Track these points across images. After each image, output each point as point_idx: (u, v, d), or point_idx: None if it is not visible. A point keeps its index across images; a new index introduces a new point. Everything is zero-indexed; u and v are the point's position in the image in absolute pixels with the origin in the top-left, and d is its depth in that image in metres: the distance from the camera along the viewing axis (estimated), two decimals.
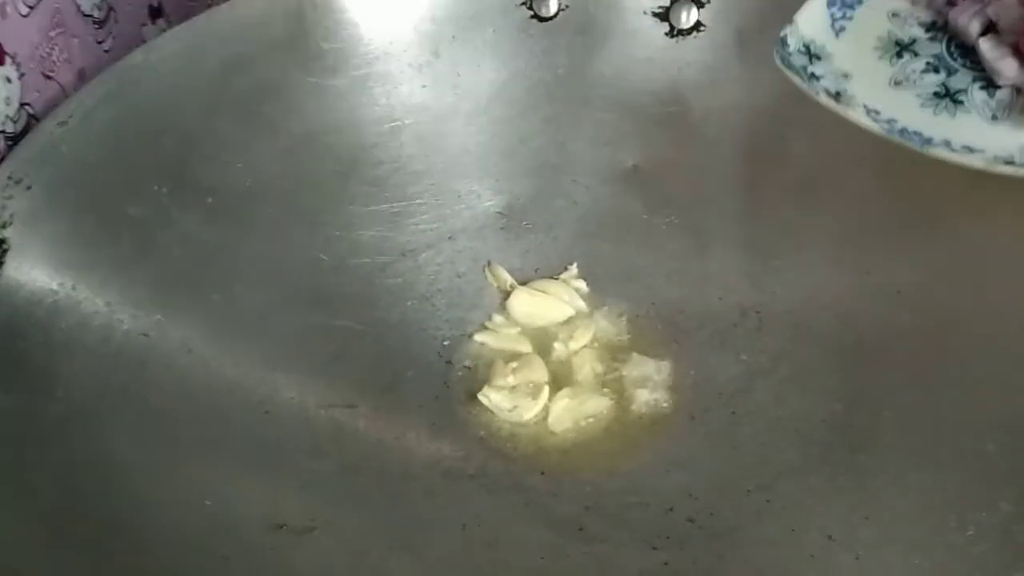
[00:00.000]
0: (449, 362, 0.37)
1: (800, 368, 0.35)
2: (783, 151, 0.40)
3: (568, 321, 0.38)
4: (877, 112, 0.32)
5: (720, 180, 0.41)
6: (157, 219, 0.35)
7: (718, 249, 0.39)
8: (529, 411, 0.35)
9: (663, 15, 0.41)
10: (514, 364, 0.36)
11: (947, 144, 0.31)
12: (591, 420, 0.35)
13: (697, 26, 0.41)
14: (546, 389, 0.35)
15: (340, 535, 0.31)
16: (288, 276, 0.37)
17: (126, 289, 0.33)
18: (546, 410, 0.35)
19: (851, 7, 0.35)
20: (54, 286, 0.32)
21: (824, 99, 0.33)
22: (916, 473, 0.30)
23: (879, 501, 0.30)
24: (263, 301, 0.36)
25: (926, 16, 0.34)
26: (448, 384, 0.37)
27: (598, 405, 0.35)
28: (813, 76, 0.33)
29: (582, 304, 0.38)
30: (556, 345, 0.37)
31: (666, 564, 0.30)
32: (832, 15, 0.35)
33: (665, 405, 0.35)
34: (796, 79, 0.33)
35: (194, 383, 0.33)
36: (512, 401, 0.35)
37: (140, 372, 0.32)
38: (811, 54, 0.34)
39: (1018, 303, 0.32)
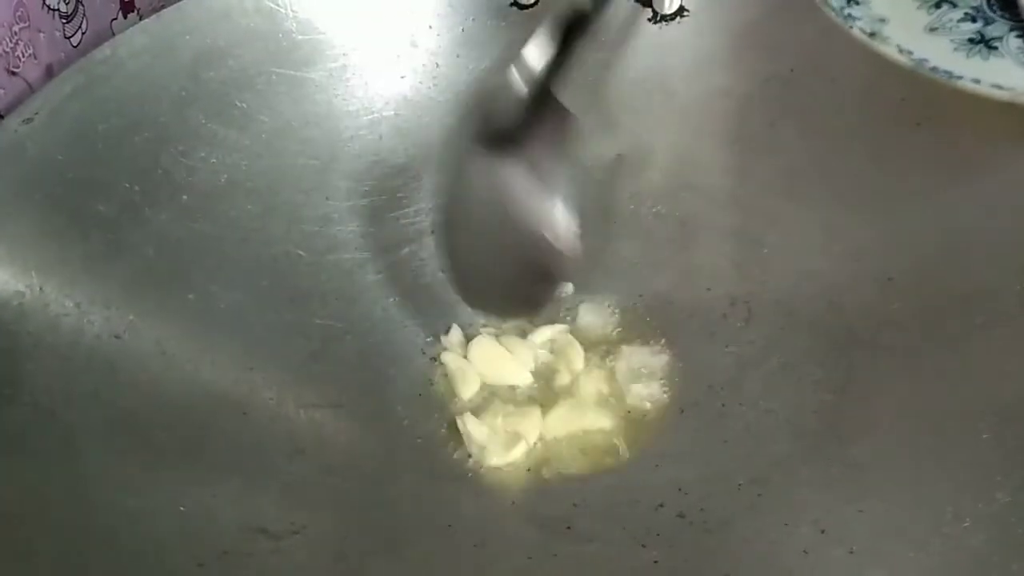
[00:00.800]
0: (433, 359, 0.36)
1: (790, 358, 0.34)
2: (770, 138, 0.39)
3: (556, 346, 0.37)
4: (910, 52, 0.33)
5: (706, 168, 0.40)
6: (129, 218, 0.35)
7: (706, 239, 0.39)
8: (497, 458, 0.33)
9: (646, 1, 0.40)
10: (511, 409, 0.35)
11: (976, 81, 0.32)
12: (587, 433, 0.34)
13: (680, 11, 0.40)
14: (523, 445, 0.33)
15: (322, 538, 0.30)
16: (265, 274, 0.36)
17: (97, 290, 0.33)
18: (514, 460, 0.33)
19: None
20: (21, 287, 0.31)
21: (858, 34, 0.34)
22: (910, 464, 0.30)
23: (873, 493, 0.29)
24: (240, 300, 0.35)
25: None
26: (432, 382, 0.36)
27: (596, 420, 0.34)
28: (849, 16, 0.35)
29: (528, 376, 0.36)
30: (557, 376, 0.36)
31: (656, 562, 0.30)
32: None
33: (665, 396, 0.34)
34: (831, 14, 0.35)
35: (168, 385, 0.32)
36: (487, 440, 0.33)
37: (111, 375, 0.31)
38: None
39: (1011, 289, 0.32)
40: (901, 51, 0.33)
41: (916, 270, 0.34)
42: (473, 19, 0.41)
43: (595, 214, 0.40)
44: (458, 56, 0.41)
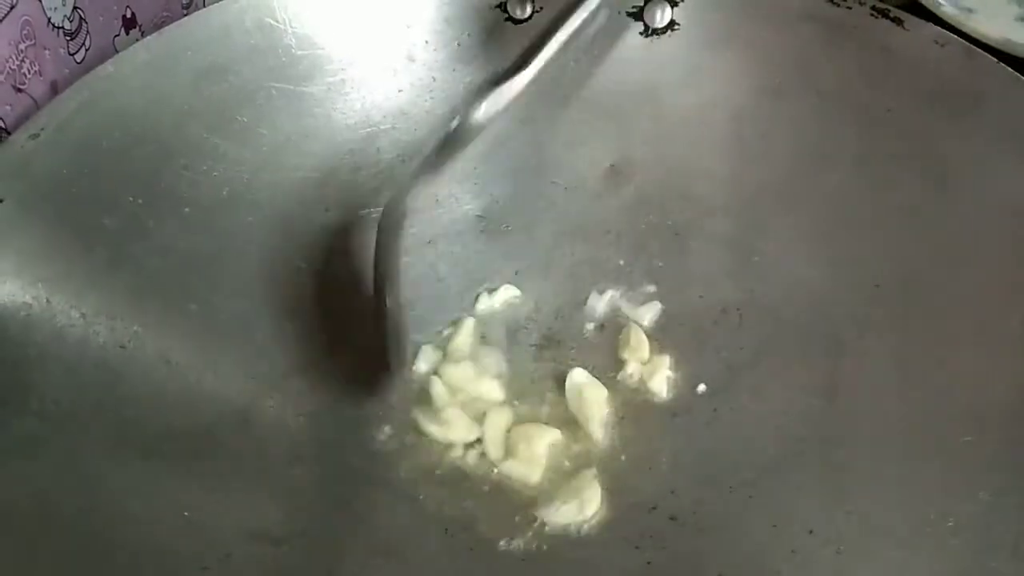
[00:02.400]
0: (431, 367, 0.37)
1: (780, 364, 0.35)
2: (760, 149, 0.40)
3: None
4: (988, 36, 0.38)
5: (698, 178, 0.41)
6: (133, 230, 0.35)
7: (698, 247, 0.39)
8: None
9: (637, 15, 0.41)
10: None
11: None
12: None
13: (671, 25, 0.41)
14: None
15: (320, 542, 0.31)
16: (266, 284, 0.37)
17: (102, 301, 0.33)
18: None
19: None
20: (28, 299, 0.32)
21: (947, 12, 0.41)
22: (896, 465, 0.31)
23: (859, 494, 0.30)
24: (241, 310, 0.36)
25: None
26: (430, 390, 0.36)
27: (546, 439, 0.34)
28: (938, 3, 0.41)
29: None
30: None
31: (649, 563, 0.30)
32: None
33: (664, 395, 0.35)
34: None
35: (172, 394, 0.33)
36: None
37: (117, 384, 0.32)
38: None
39: (993, 296, 0.33)
40: (983, 35, 0.38)
41: (901, 278, 0.35)
42: (468, 34, 0.42)
43: (589, 224, 0.41)
44: (454, 70, 0.42)
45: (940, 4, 0.41)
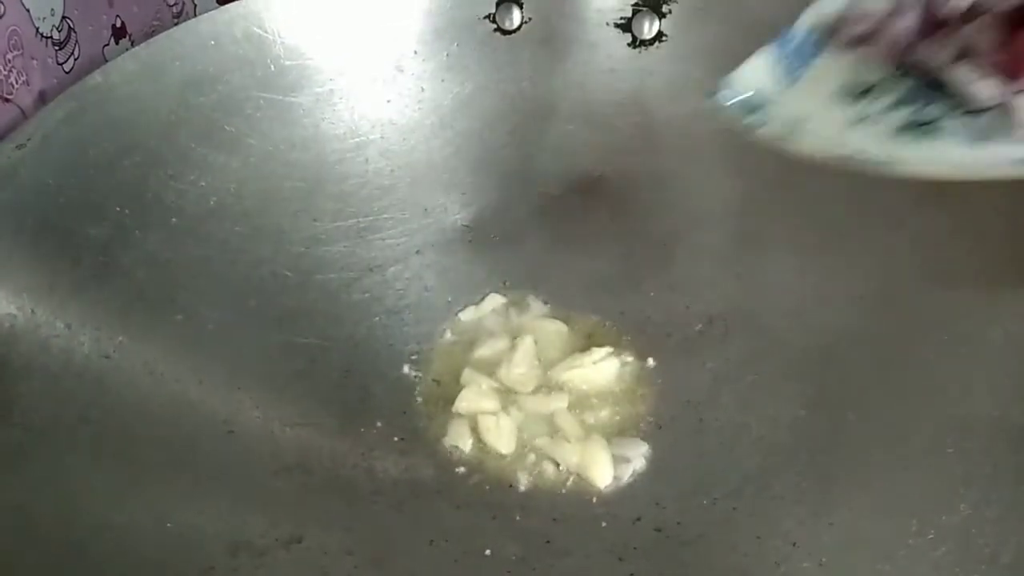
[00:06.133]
0: (418, 376, 0.37)
1: (765, 375, 0.35)
2: (747, 160, 0.40)
3: None
4: (834, 150, 0.29)
5: (685, 189, 0.41)
6: (119, 240, 0.35)
7: (684, 258, 0.40)
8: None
9: (625, 26, 0.42)
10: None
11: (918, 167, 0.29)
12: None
13: (659, 36, 0.41)
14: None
15: (306, 554, 0.31)
16: (253, 294, 0.37)
17: (87, 311, 0.33)
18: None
19: (803, 63, 0.30)
20: (12, 310, 0.32)
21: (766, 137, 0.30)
22: (878, 477, 0.31)
23: (842, 506, 0.30)
24: (227, 320, 0.36)
25: (889, 62, 0.29)
26: (416, 399, 0.36)
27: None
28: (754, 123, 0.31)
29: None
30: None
31: (632, 575, 0.30)
32: (777, 72, 0.31)
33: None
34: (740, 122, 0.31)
35: (156, 404, 0.33)
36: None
37: (101, 395, 0.32)
38: (754, 105, 0.31)
39: (977, 308, 0.33)
40: (823, 149, 0.29)
41: (885, 290, 0.35)
42: (457, 45, 0.42)
43: (576, 233, 0.41)
44: (443, 81, 0.42)
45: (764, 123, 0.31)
